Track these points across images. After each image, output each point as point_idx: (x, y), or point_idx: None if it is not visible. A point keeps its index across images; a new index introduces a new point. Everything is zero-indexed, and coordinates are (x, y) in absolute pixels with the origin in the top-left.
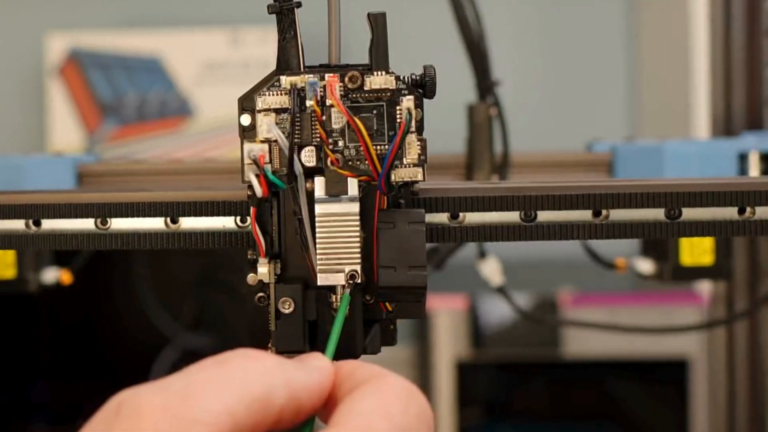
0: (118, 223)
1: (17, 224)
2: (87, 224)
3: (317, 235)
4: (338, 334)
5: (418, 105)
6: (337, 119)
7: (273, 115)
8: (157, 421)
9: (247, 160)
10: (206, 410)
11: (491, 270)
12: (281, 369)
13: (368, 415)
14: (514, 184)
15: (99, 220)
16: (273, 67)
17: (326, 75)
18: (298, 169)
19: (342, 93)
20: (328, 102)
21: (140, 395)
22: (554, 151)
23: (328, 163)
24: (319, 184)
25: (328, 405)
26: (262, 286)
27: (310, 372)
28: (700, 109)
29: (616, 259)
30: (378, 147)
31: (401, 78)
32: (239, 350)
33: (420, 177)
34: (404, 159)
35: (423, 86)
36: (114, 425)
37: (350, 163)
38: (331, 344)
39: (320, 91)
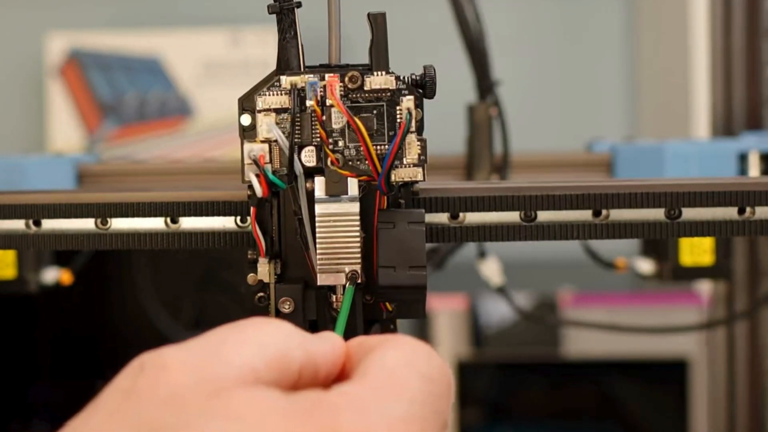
0: (118, 223)
1: (17, 224)
2: (87, 224)
3: (317, 235)
4: (346, 314)
5: (418, 105)
6: (337, 119)
7: (273, 115)
8: (181, 375)
9: (247, 160)
10: (229, 364)
11: (491, 270)
12: (297, 334)
13: (394, 365)
14: (514, 184)
15: (99, 220)
16: (273, 67)
17: (326, 75)
18: (298, 169)
19: (342, 93)
20: (328, 102)
21: (163, 353)
22: (554, 151)
23: (328, 163)
24: (319, 184)
25: (341, 377)
26: (262, 286)
27: (324, 339)
28: (700, 109)
29: (616, 259)
30: (378, 147)
31: (401, 78)
32: (256, 317)
33: (420, 177)
34: (404, 159)
35: (423, 86)
36: (138, 381)
37: (350, 163)
38: (340, 322)
39: (320, 91)
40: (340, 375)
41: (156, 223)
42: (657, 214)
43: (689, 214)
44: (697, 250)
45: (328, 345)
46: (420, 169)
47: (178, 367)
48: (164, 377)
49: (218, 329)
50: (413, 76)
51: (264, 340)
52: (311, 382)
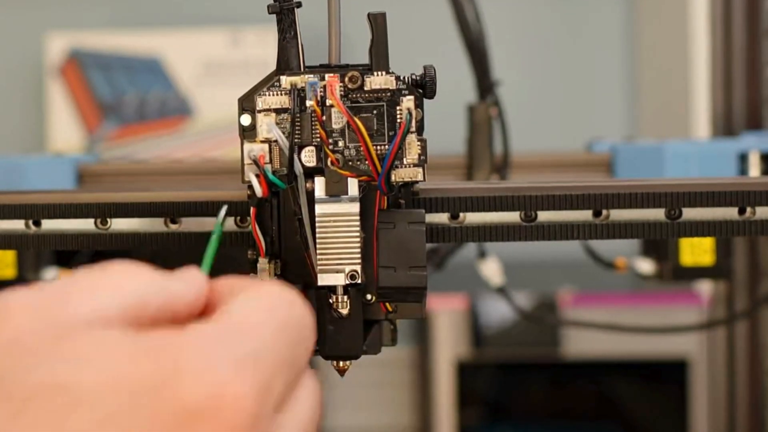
0: (118, 223)
1: (17, 224)
2: (87, 224)
3: (317, 235)
4: (214, 250)
5: (418, 105)
6: (337, 119)
7: (273, 115)
8: (25, 319)
9: (247, 160)
10: (78, 309)
11: (491, 270)
12: (155, 278)
13: (250, 309)
14: (514, 184)
15: (99, 220)
16: (273, 67)
17: (326, 75)
18: (298, 169)
19: (342, 93)
20: (328, 102)
21: (8, 297)
22: (554, 151)
23: (328, 163)
24: (319, 184)
25: (204, 315)
26: None
27: (185, 282)
28: (700, 109)
29: (616, 259)
30: (378, 147)
31: (401, 78)
32: (115, 262)
33: (420, 177)
34: (404, 159)
35: (423, 86)
36: None
37: (350, 163)
38: (207, 259)
39: (320, 91)
40: (203, 315)
41: (156, 223)
42: (657, 214)
43: (689, 214)
44: (697, 250)
45: (189, 287)
46: (420, 169)
47: (23, 311)
48: (6, 321)
49: (76, 273)
50: (413, 76)
51: (120, 286)
52: (169, 325)
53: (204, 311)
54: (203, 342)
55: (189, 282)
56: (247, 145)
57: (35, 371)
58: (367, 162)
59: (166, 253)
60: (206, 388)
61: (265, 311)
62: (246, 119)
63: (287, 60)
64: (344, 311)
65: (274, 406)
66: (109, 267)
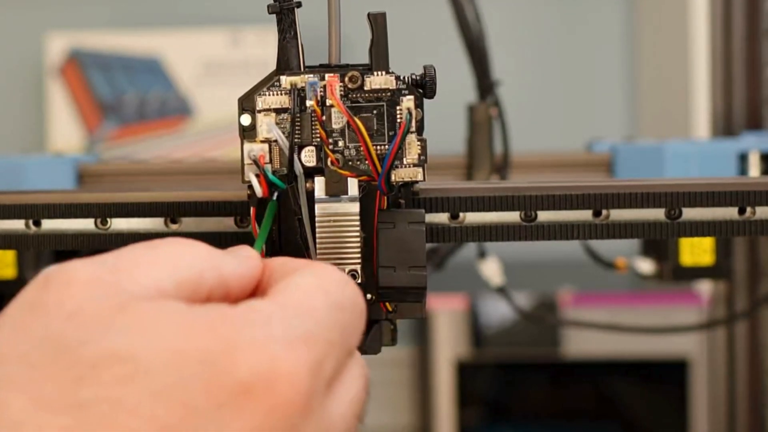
0: (118, 223)
1: (17, 224)
2: (87, 224)
3: (317, 235)
4: (268, 227)
5: (418, 105)
6: (337, 119)
7: (273, 115)
8: (87, 289)
9: (247, 160)
10: (138, 282)
11: (491, 270)
12: (211, 254)
13: (306, 289)
14: (514, 184)
15: (99, 220)
16: (273, 67)
17: (326, 75)
18: (298, 169)
19: (342, 93)
20: (328, 102)
21: (69, 267)
22: (554, 151)
23: (328, 163)
24: (319, 184)
25: (257, 293)
26: None
27: (240, 260)
28: (700, 109)
29: (616, 259)
30: (378, 147)
31: (401, 78)
32: (171, 237)
33: (420, 177)
34: (404, 159)
35: (423, 86)
36: (43, 295)
37: (350, 163)
38: (260, 239)
39: (320, 91)
40: (256, 292)
41: (156, 223)
42: (657, 214)
43: (689, 214)
44: (697, 250)
45: (244, 265)
46: (420, 169)
47: (85, 282)
48: (69, 291)
49: (132, 246)
50: (413, 76)
51: (176, 261)
52: (222, 301)
53: (256, 289)
54: (258, 318)
55: (243, 260)
56: (247, 145)
57: (98, 341)
58: (367, 162)
59: None
60: (260, 365)
61: (320, 291)
62: (246, 119)
63: (287, 60)
64: None
65: (325, 385)
66: (166, 241)
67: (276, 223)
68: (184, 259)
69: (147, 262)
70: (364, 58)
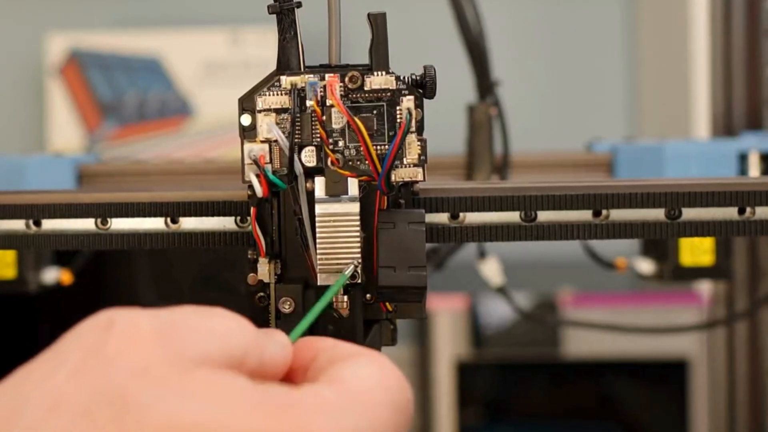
0: (118, 223)
1: (17, 224)
2: (87, 224)
3: (317, 235)
4: (316, 316)
5: (418, 105)
6: (337, 119)
7: (273, 115)
8: (152, 347)
9: (247, 160)
10: (193, 348)
11: (491, 270)
12: (257, 336)
13: (368, 382)
14: (514, 184)
15: (99, 220)
16: (273, 67)
17: (326, 75)
18: (298, 169)
19: (342, 93)
20: (329, 102)
21: (135, 317)
22: (554, 151)
23: (329, 163)
24: (319, 184)
25: (296, 374)
26: (262, 286)
27: (279, 346)
28: (700, 109)
29: (616, 259)
30: (378, 147)
31: (401, 78)
32: (216, 308)
33: (420, 177)
34: (404, 159)
35: (423, 86)
36: (107, 339)
37: (350, 163)
38: (303, 325)
39: (320, 91)
40: (292, 374)
41: (156, 223)
42: (657, 214)
43: (689, 214)
44: (697, 250)
45: (280, 351)
46: (420, 169)
47: (151, 338)
48: (137, 344)
49: (183, 308)
50: (413, 76)
51: (228, 336)
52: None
53: (292, 370)
54: (329, 408)
55: (281, 346)
56: (247, 145)
57: (165, 405)
58: (367, 162)
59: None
60: None
61: (381, 387)
62: (246, 119)
63: (287, 60)
64: (344, 311)
65: None
66: (218, 313)
67: (276, 223)
68: (233, 334)
69: (201, 329)
70: (364, 58)
